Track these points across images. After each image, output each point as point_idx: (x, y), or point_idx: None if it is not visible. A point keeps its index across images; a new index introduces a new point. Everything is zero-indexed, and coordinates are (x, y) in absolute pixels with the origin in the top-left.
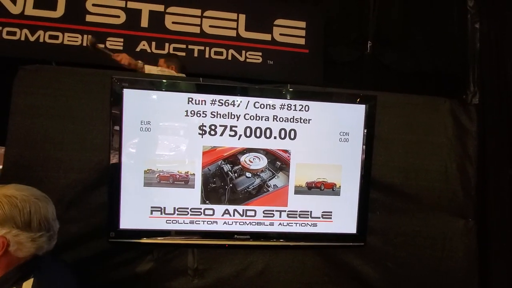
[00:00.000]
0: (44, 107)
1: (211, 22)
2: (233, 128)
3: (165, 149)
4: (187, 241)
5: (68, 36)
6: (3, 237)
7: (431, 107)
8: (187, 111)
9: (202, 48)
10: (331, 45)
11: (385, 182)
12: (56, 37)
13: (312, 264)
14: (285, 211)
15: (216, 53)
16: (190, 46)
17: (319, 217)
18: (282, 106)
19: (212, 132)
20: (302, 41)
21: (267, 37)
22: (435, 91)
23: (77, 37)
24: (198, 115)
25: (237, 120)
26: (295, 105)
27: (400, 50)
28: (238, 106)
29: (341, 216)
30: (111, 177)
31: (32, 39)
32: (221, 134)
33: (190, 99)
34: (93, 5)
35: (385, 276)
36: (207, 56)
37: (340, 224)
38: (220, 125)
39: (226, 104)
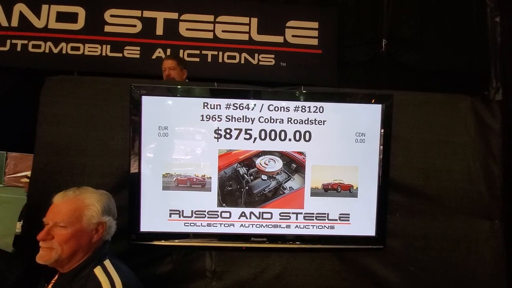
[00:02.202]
0: (68, 115)
1: (224, 27)
2: (248, 131)
3: (182, 153)
4: (204, 244)
5: (89, 47)
6: (105, 223)
7: (451, 105)
8: (202, 115)
9: (216, 53)
10: (345, 45)
11: (404, 183)
12: (78, 48)
13: (330, 267)
14: (301, 213)
15: (229, 57)
16: (203, 52)
17: (336, 219)
18: (296, 108)
19: (228, 136)
20: (315, 42)
21: (279, 39)
22: (455, 89)
23: (97, 48)
24: (214, 119)
25: (252, 123)
26: (309, 107)
27: (416, 48)
28: (252, 110)
29: (359, 218)
30: (131, 182)
31: (55, 51)
32: (236, 138)
33: (206, 104)
34: (111, 16)
35: (407, 280)
36: (220, 60)
37: (358, 226)
38: (235, 129)
39: (241, 107)
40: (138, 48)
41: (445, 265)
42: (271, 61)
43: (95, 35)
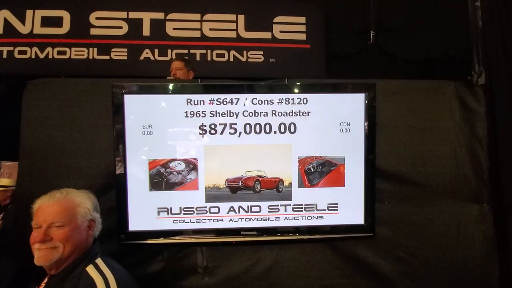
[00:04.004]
0: (51, 118)
1: (211, 25)
2: (233, 126)
3: (167, 151)
4: (194, 240)
5: (75, 51)
6: (95, 220)
7: (435, 91)
8: (186, 112)
9: (204, 51)
10: (333, 38)
11: (392, 171)
12: (64, 53)
13: (322, 257)
14: (290, 205)
15: (218, 55)
16: (192, 51)
17: (325, 210)
18: (280, 101)
19: (213, 131)
20: (303, 37)
21: (267, 35)
22: (444, 76)
23: (83, 51)
24: (198, 115)
25: (236, 118)
26: (293, 99)
27: (405, 37)
28: (236, 104)
29: (348, 207)
30: (117, 182)
31: (42, 56)
32: (221, 133)
33: (189, 100)
34: (97, 18)
35: (399, 267)
36: (209, 59)
37: (347, 215)
38: (220, 124)
39: (225, 102)
40: (125, 49)
41: (436, 250)
42: (260, 58)
43: (81, 39)
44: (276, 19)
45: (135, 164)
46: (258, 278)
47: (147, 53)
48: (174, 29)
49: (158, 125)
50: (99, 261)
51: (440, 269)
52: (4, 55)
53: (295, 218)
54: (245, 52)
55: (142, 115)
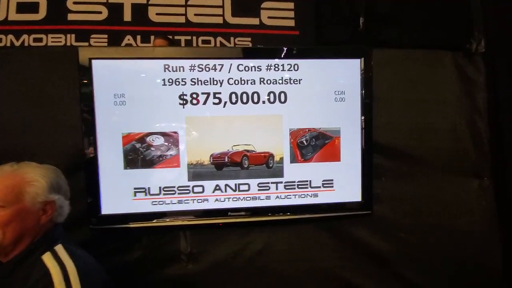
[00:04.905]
0: (13, 92)
1: (196, 10)
2: (217, 95)
3: (143, 123)
4: (176, 223)
5: (52, 38)
6: (54, 202)
7: (433, 61)
8: (164, 79)
9: (189, 37)
10: (323, 25)
11: (388, 145)
12: (40, 40)
13: (316, 239)
14: (281, 182)
15: (204, 41)
16: (176, 37)
17: (319, 187)
18: (269, 67)
19: (194, 101)
20: (292, 23)
21: (255, 21)
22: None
23: (61, 37)
24: (177, 83)
25: (221, 86)
26: (282, 65)
27: (396, 24)
28: (220, 71)
29: (344, 184)
30: (87, 160)
31: (17, 43)
32: (204, 103)
33: (167, 66)
34: (74, 3)
35: (397, 246)
36: (194, 45)
37: (344, 192)
38: (203, 93)
39: (207, 69)
40: (106, 36)
41: (436, 228)
42: (248, 44)
43: (58, 25)
44: (264, 5)
45: (106, 140)
46: (247, 263)
47: (128, 39)
48: (157, 14)
49: (132, 94)
50: (59, 248)
51: (439, 247)
52: None
53: (288, 197)
54: (232, 38)
55: (113, 83)
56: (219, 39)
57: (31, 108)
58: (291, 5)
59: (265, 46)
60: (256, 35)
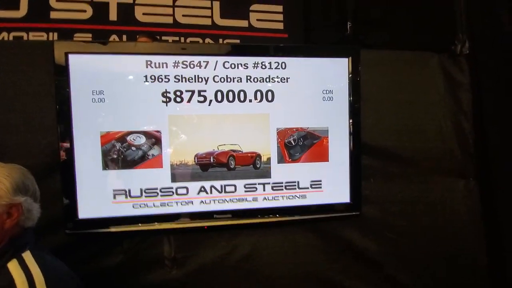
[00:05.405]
0: None
1: (184, 11)
2: (202, 93)
3: (124, 122)
4: (159, 227)
5: (33, 35)
6: (21, 205)
7: (419, 63)
8: (146, 76)
9: (177, 38)
10: (311, 28)
11: (377, 146)
12: (21, 38)
13: (305, 242)
14: (269, 183)
15: (191, 43)
16: (164, 37)
17: (308, 188)
18: (256, 65)
19: (178, 99)
20: (280, 26)
21: (244, 23)
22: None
23: (42, 36)
24: (160, 80)
25: (206, 84)
26: (270, 63)
27: (384, 28)
28: (205, 68)
29: (332, 184)
30: (62, 161)
31: None
32: (189, 101)
33: (149, 62)
34: (57, 0)
35: (386, 247)
36: None
37: (332, 193)
38: (187, 90)
39: (192, 66)
40: (90, 35)
41: (424, 228)
42: None
43: (40, 23)
44: (252, 7)
45: (84, 138)
46: (235, 268)
47: (114, 39)
48: (144, 14)
49: (111, 91)
50: (26, 254)
51: (428, 248)
52: None
53: (275, 198)
54: (220, 40)
55: (91, 79)
56: (207, 40)
57: (5, 103)
58: (280, 8)
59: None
60: (245, 37)
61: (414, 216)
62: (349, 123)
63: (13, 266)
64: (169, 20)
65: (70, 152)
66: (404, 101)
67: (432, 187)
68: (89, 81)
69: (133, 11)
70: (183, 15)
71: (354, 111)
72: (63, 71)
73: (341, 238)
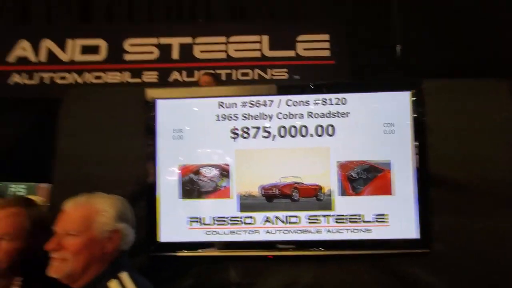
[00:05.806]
0: (85, 126)
1: (236, 46)
2: (266, 129)
3: (198, 156)
4: (227, 253)
5: (110, 75)
6: (121, 231)
7: (486, 90)
8: (218, 115)
9: (229, 71)
10: (357, 54)
11: (443, 178)
12: (100, 77)
13: (368, 277)
14: (332, 216)
15: (242, 74)
16: (217, 71)
17: (372, 221)
18: (317, 102)
19: (245, 135)
20: (327, 53)
21: (291, 53)
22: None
23: (117, 75)
24: (230, 118)
25: (270, 120)
26: (330, 99)
27: (430, 52)
28: (270, 106)
29: (398, 219)
30: (148, 190)
31: (80, 81)
32: (254, 136)
33: (221, 103)
34: (130, 45)
35: (455, 286)
36: (234, 78)
37: (398, 228)
38: (253, 127)
39: (258, 105)
40: (156, 72)
41: (500, 267)
42: (284, 75)
43: (115, 64)
44: (299, 38)
45: (166, 171)
46: None
47: (175, 75)
48: (201, 51)
49: (188, 129)
50: (124, 276)
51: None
52: (47, 81)
53: (339, 231)
54: (269, 70)
55: (173, 119)
56: (256, 71)
57: (100, 141)
58: (326, 36)
59: (301, 76)
60: (292, 66)
61: (490, 254)
62: (413, 156)
63: (114, 286)
64: (223, 55)
65: (154, 182)
66: (472, 130)
67: (503, 221)
68: (171, 121)
69: (192, 50)
70: (235, 50)
71: (418, 144)
72: (151, 113)
73: (407, 275)
